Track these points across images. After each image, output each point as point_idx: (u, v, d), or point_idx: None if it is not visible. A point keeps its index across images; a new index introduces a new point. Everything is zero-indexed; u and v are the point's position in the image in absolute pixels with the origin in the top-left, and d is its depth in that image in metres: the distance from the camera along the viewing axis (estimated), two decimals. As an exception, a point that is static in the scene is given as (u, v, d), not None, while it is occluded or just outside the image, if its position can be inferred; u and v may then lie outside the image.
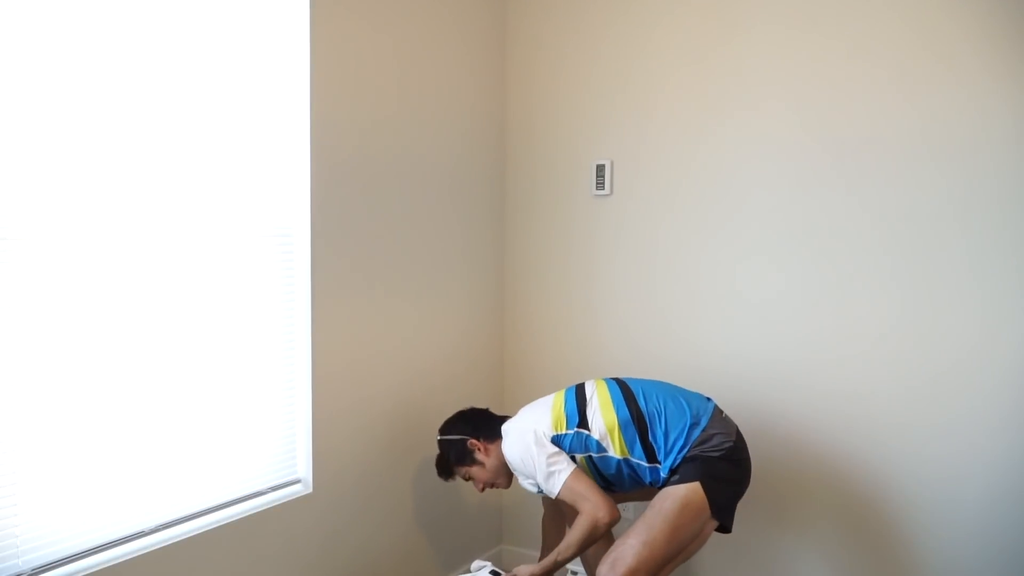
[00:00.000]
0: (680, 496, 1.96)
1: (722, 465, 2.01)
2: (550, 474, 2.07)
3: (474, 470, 2.29)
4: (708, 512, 1.97)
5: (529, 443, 2.12)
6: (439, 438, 2.34)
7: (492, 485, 2.31)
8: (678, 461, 2.02)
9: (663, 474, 2.05)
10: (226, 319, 2.03)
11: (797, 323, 2.46)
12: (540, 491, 2.17)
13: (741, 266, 2.54)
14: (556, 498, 2.11)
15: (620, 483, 2.15)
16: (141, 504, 1.85)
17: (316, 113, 2.19)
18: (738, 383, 2.53)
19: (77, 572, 1.71)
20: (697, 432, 2.04)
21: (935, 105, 2.24)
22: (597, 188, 2.75)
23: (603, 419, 2.09)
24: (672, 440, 2.04)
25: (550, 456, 2.09)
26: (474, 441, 2.28)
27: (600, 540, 2.14)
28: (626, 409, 2.09)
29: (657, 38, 2.64)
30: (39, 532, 1.67)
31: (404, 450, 2.57)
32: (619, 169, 2.73)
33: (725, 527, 2.05)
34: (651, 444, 2.06)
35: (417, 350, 2.61)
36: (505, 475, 2.29)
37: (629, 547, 1.92)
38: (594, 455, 2.11)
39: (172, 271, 1.89)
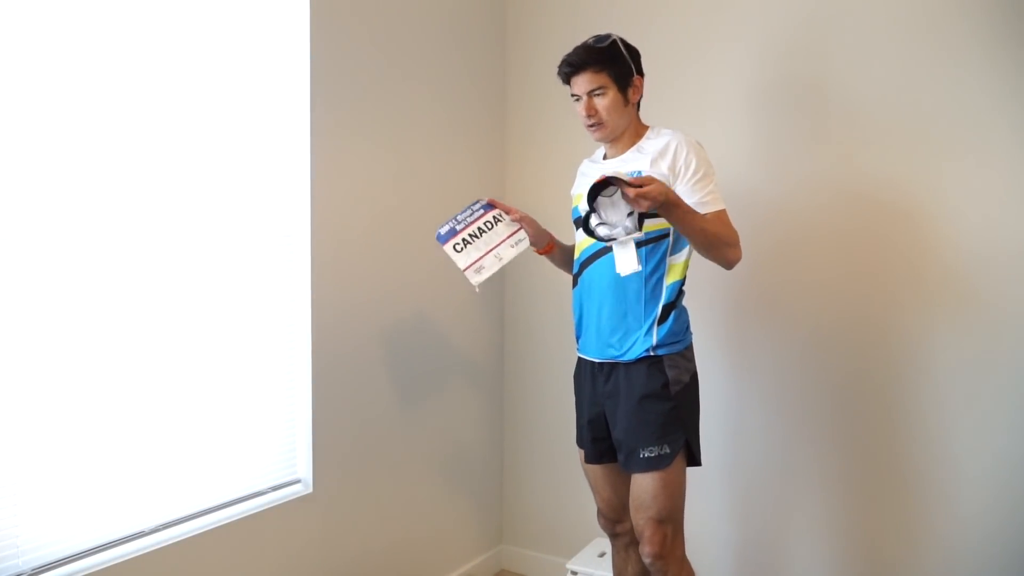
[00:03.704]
0: (671, 477, 1.90)
1: (693, 405, 1.98)
2: (711, 191, 1.89)
3: (612, 96, 1.92)
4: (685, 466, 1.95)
5: (706, 155, 1.94)
6: (617, 37, 1.95)
7: (598, 124, 1.95)
8: (667, 346, 1.92)
9: (652, 338, 1.91)
10: (226, 318, 2.03)
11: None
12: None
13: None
14: (705, 211, 1.86)
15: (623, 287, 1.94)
16: (141, 504, 1.85)
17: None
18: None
19: (77, 572, 1.71)
20: (691, 338, 2.01)
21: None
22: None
23: (683, 259, 1.97)
24: (683, 323, 1.97)
25: (714, 177, 1.92)
26: (640, 80, 1.98)
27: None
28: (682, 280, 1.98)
29: (657, 31, 2.65)
30: (39, 532, 1.67)
31: (404, 450, 2.57)
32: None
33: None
34: (678, 306, 1.97)
35: (418, 349, 2.61)
36: (622, 133, 1.98)
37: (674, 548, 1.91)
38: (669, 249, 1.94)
39: (171, 272, 1.89)
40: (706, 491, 2.55)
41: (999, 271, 2.17)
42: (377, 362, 2.45)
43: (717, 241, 1.84)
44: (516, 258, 2.06)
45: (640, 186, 1.66)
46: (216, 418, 2.01)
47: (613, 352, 1.96)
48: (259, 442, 2.13)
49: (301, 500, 2.21)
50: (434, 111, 2.65)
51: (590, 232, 1.77)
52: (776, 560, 2.54)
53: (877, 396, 2.35)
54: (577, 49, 1.95)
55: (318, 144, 2.21)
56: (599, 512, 2.17)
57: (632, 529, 2.11)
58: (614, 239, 1.74)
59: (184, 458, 1.94)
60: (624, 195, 1.69)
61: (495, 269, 2.02)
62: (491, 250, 2.02)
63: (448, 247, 2.01)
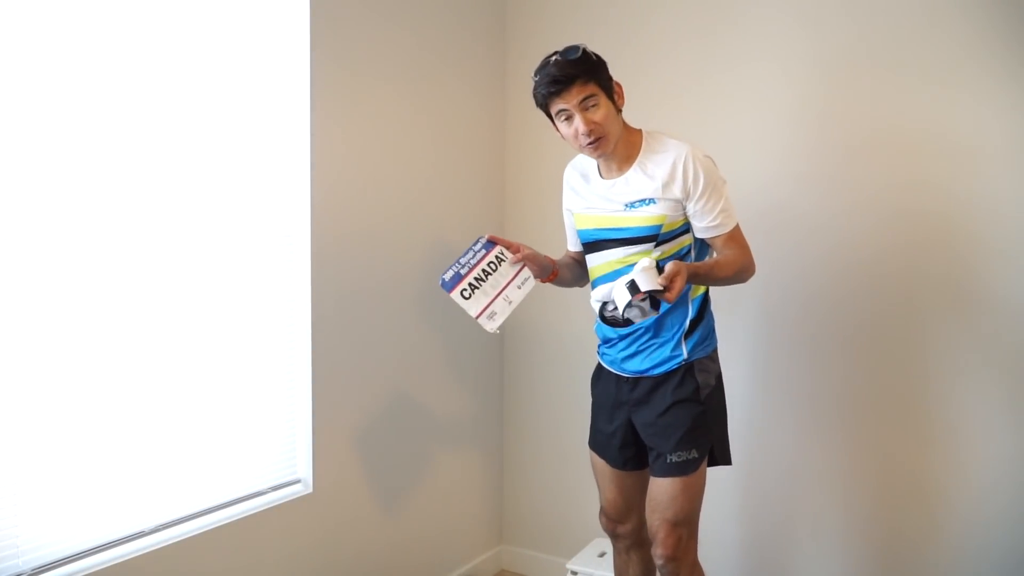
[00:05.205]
0: (693, 480, 1.91)
1: (721, 407, 2.00)
2: (722, 209, 1.85)
3: (604, 106, 1.80)
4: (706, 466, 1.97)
5: (716, 169, 1.88)
6: (586, 47, 1.82)
7: (600, 138, 1.81)
8: (696, 353, 1.93)
9: (683, 351, 1.91)
10: (226, 319, 2.03)
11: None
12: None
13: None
14: (717, 234, 1.87)
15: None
16: (141, 504, 1.85)
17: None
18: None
19: (77, 572, 1.71)
20: (716, 341, 2.01)
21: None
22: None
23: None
24: (708, 329, 1.98)
25: (724, 191, 1.87)
26: (619, 85, 1.88)
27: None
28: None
29: (654, 27, 2.64)
30: (39, 532, 1.67)
31: (404, 449, 2.57)
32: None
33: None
34: (705, 317, 1.97)
35: (418, 349, 2.61)
36: (618, 145, 1.86)
37: (688, 549, 1.92)
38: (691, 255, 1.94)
39: (171, 272, 1.89)
40: (715, 491, 2.53)
41: (1017, 278, 2.16)
42: (377, 362, 2.45)
43: (735, 277, 1.91)
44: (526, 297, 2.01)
45: (668, 285, 1.68)
46: (216, 418, 2.01)
47: (641, 367, 1.96)
48: (259, 442, 2.13)
49: (301, 500, 2.21)
50: (434, 109, 2.65)
51: (612, 321, 1.86)
52: (785, 561, 2.53)
53: (888, 398, 2.34)
54: (556, 65, 1.79)
55: (318, 143, 2.21)
56: (601, 511, 2.16)
57: (633, 532, 2.11)
58: (634, 320, 1.77)
59: (184, 458, 1.94)
60: (655, 299, 1.71)
61: (508, 313, 1.95)
62: (499, 293, 1.95)
63: (455, 294, 1.92)
